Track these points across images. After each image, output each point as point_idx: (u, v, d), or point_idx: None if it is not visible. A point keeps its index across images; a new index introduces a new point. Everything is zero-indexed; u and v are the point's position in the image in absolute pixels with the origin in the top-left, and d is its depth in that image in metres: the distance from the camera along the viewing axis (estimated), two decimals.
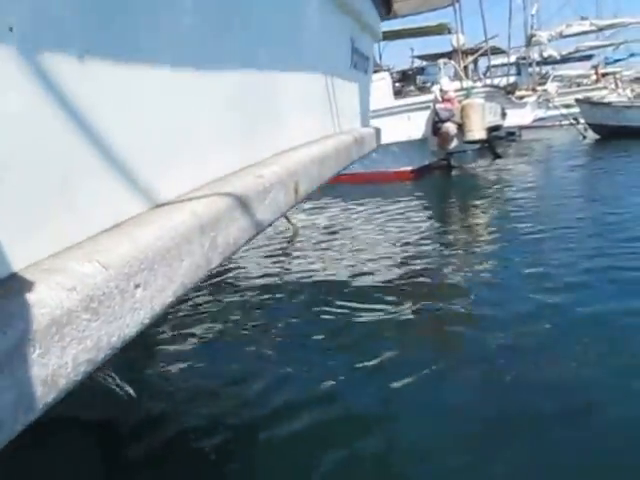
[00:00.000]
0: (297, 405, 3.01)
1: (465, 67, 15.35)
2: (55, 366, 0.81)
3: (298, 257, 6.41)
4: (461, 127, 11.87)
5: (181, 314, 4.42)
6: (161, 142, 1.28)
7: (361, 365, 3.43)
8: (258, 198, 1.47)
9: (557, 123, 21.39)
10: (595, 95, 20.61)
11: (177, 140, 1.35)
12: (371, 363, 3.45)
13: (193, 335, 4.12)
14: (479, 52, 16.17)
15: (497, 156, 14.53)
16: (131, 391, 2.93)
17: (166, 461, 2.62)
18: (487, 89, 13.91)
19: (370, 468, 2.49)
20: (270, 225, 1.67)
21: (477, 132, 12.00)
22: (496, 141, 15.77)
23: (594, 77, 27.12)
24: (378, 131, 3.63)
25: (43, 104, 0.87)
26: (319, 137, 2.33)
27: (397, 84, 13.68)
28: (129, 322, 0.95)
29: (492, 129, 13.59)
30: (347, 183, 9.97)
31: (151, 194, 1.20)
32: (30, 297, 0.77)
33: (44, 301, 0.78)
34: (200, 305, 4.66)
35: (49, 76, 0.87)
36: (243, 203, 1.38)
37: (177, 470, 2.55)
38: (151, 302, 1.01)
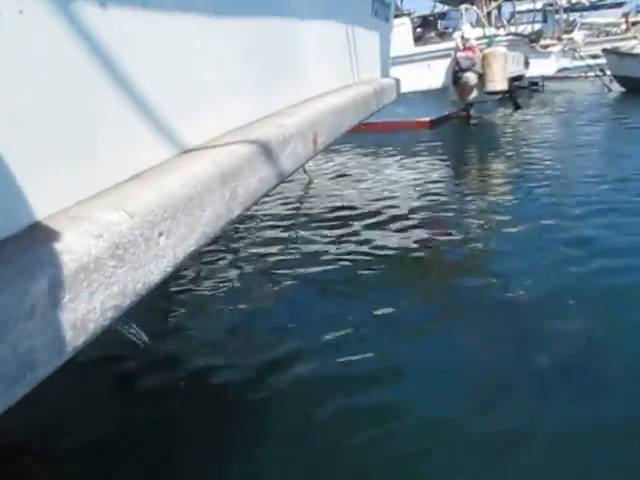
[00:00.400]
0: (306, 349, 3.07)
1: (488, 13, 14.86)
2: (84, 311, 0.84)
3: (313, 204, 6.41)
4: (482, 77, 11.57)
5: (192, 258, 4.48)
6: (183, 90, 1.28)
7: (371, 311, 3.48)
8: (278, 148, 1.47)
9: (582, 74, 20.74)
10: (624, 45, 19.86)
11: (199, 88, 1.35)
12: (380, 309, 3.50)
13: (207, 280, 4.19)
14: None
15: (518, 107, 14.19)
16: (143, 336, 3.00)
17: (174, 400, 2.70)
18: (510, 37, 13.49)
19: (374, 412, 2.55)
20: (289, 176, 1.67)
21: (498, 83, 11.69)
22: (518, 91, 15.36)
23: (624, 26, 26.07)
24: (398, 82, 3.56)
25: (68, 53, 0.87)
26: (339, 87, 2.30)
27: (418, 30, 13.29)
28: (153, 269, 0.98)
29: (514, 79, 13.24)
30: (363, 132, 9.86)
31: (174, 142, 1.21)
32: (58, 244, 0.80)
33: (72, 248, 0.80)
34: (215, 251, 4.71)
35: (72, 24, 0.87)
36: (263, 153, 1.38)
37: (184, 410, 2.63)
38: (174, 250, 1.03)
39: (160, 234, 0.99)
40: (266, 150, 1.40)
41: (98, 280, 0.85)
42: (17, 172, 0.79)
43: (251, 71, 1.64)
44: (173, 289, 3.96)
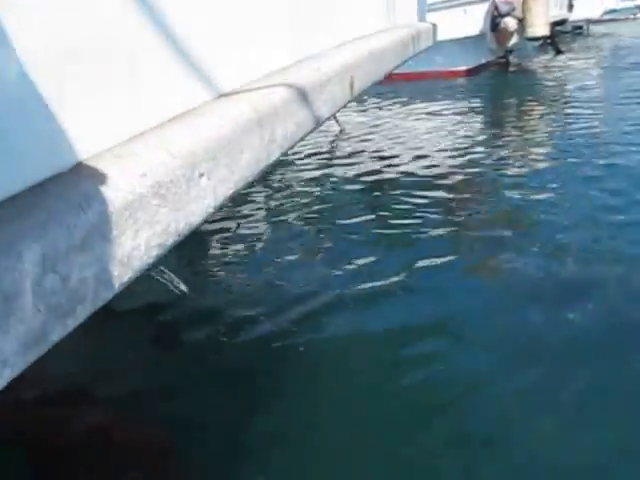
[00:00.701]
0: (343, 297, 3.09)
1: None
2: (129, 248, 0.86)
3: (344, 154, 6.36)
4: (522, 22, 11.09)
5: (228, 210, 4.53)
6: (220, 33, 1.27)
7: (401, 257, 3.49)
8: (315, 92, 1.46)
9: (631, 16, 19.69)
10: None
11: (235, 31, 1.34)
12: (411, 256, 3.51)
13: (240, 227, 4.23)
14: None
15: (559, 52, 13.63)
16: (183, 287, 3.06)
17: (211, 350, 2.76)
18: None
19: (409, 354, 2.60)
20: (325, 121, 1.66)
21: (540, 28, 11.18)
22: (560, 36, 14.73)
23: None
24: (435, 27, 3.46)
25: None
26: (376, 31, 2.25)
27: None
28: (194, 210, 1.00)
29: (556, 24, 12.67)
30: (397, 81, 9.66)
31: (210, 85, 1.21)
32: (105, 181, 0.82)
33: (118, 185, 0.82)
34: (247, 196, 4.75)
35: None
36: (300, 96, 1.37)
37: (221, 359, 2.69)
38: (214, 192, 1.05)
39: (201, 175, 1.00)
40: (303, 93, 1.39)
41: (143, 218, 0.87)
42: (64, 110, 0.80)
43: (287, 13, 1.62)
44: (209, 236, 4.03)
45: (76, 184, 0.79)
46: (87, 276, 0.79)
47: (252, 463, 2.03)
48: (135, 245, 0.88)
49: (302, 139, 1.50)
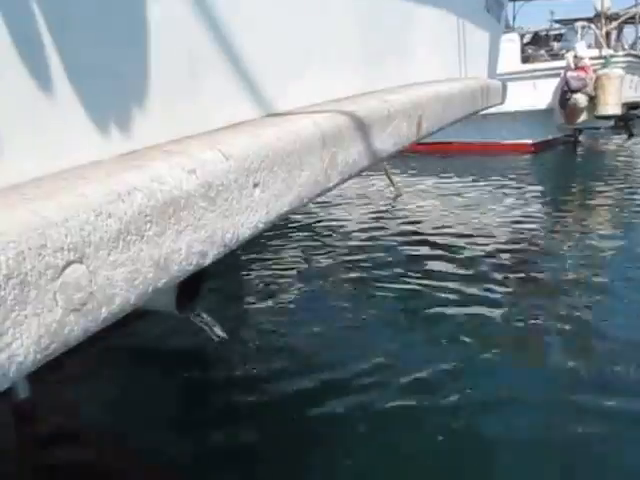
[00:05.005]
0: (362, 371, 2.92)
1: (607, 34, 14.07)
2: (169, 249, 0.78)
3: (397, 219, 6.23)
4: (593, 100, 10.92)
5: (274, 261, 4.47)
6: (288, 53, 1.23)
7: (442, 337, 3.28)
8: (381, 123, 1.39)
9: None
10: None
11: (303, 54, 1.30)
12: (453, 340, 3.26)
13: (285, 282, 4.15)
14: (625, 16, 14.73)
15: (632, 135, 13.31)
16: (221, 332, 2.96)
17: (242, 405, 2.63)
18: (629, 59, 12.66)
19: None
20: (388, 157, 1.58)
21: (611, 107, 10.96)
22: (635, 119, 14.40)
23: None
24: (505, 86, 3.39)
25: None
26: (446, 78, 2.19)
27: (529, 47, 12.81)
28: (244, 221, 0.92)
29: (631, 107, 12.41)
30: (460, 152, 9.63)
31: (272, 101, 1.16)
32: (149, 172, 0.75)
33: (163, 178, 0.75)
34: (299, 248, 4.69)
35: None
36: (366, 125, 1.30)
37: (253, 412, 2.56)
38: (267, 206, 0.97)
39: (255, 185, 0.93)
40: (369, 122, 1.33)
41: (187, 219, 0.79)
42: (121, 96, 0.75)
43: (361, 47, 1.58)
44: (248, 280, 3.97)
45: (118, 172, 0.73)
46: (117, 275, 0.71)
47: None
48: (175, 248, 0.80)
49: (362, 170, 1.42)
